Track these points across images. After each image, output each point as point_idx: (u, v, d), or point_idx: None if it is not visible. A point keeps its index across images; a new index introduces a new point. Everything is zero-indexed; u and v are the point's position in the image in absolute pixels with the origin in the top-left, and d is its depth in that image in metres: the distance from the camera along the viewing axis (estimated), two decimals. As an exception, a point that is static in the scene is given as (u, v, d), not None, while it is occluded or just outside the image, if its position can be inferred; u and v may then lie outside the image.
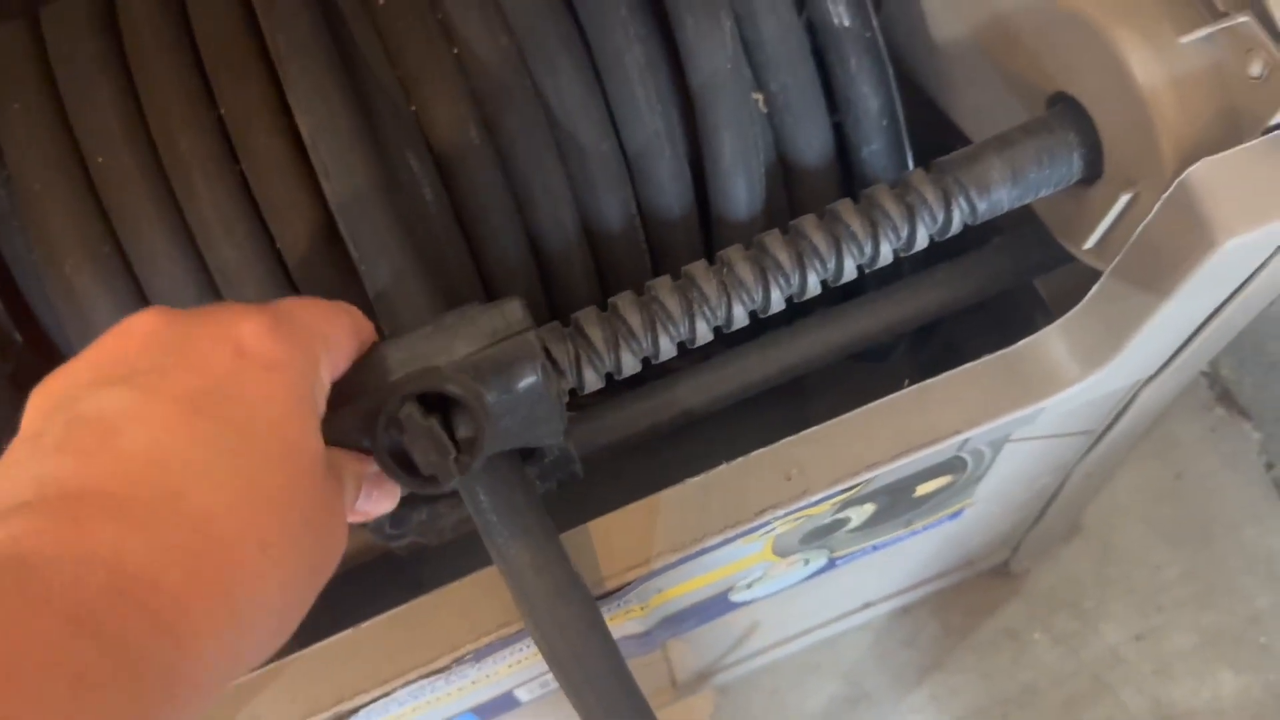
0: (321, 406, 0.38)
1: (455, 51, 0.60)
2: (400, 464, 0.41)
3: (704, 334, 0.49)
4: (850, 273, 0.49)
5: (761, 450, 0.55)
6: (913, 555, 0.82)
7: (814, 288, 0.49)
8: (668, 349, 0.49)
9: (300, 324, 0.37)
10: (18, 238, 0.58)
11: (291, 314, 0.37)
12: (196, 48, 0.57)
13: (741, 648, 0.86)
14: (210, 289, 0.55)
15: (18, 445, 0.32)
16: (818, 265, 0.48)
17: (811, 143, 0.62)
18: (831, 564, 0.73)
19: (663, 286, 0.49)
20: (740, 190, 0.61)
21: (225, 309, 0.36)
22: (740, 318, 0.49)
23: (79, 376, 0.34)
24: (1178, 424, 1.00)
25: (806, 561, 0.70)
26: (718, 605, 0.71)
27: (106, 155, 0.54)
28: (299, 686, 0.52)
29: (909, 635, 0.94)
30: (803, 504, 0.55)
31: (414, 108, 0.59)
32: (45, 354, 0.60)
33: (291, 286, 0.56)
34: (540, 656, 0.62)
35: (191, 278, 0.55)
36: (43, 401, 0.34)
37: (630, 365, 0.49)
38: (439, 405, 0.42)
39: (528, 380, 0.44)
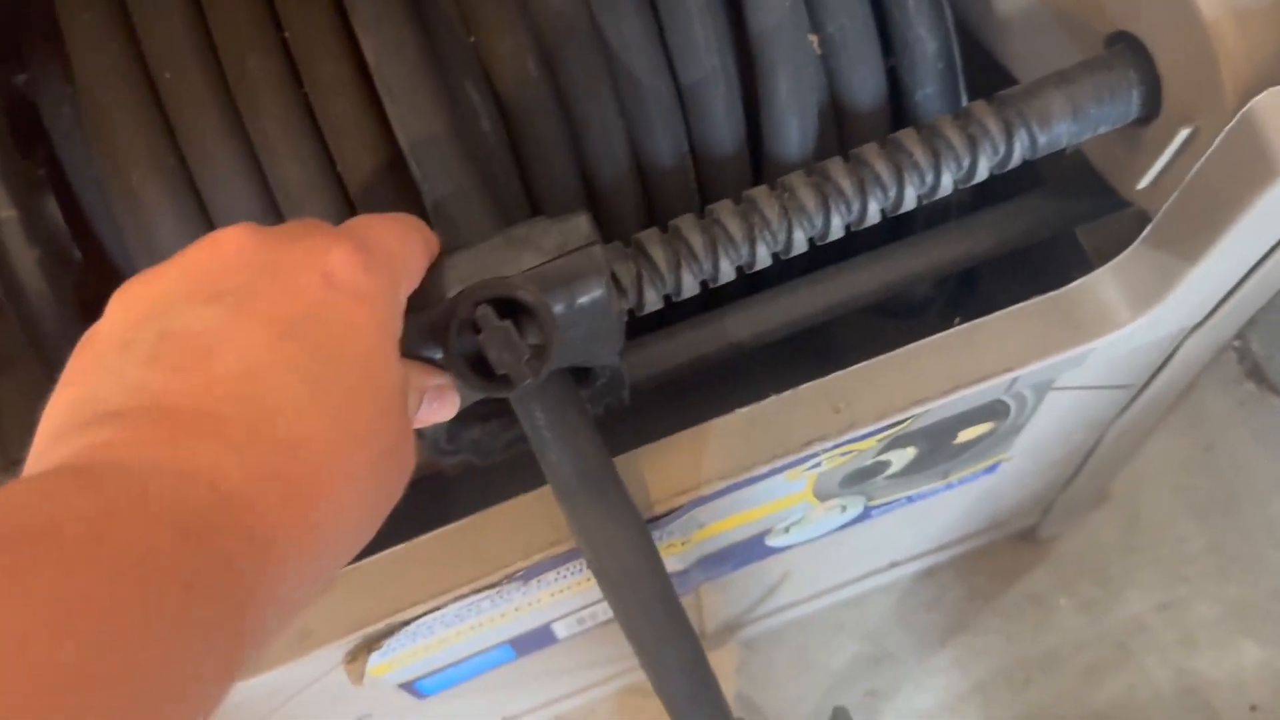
0: (399, 332, 0.38)
1: (516, -10, 0.60)
2: (472, 368, 0.42)
3: (764, 258, 0.49)
4: (910, 202, 0.50)
5: (811, 383, 0.56)
6: (945, 511, 0.82)
7: (874, 216, 0.50)
8: (727, 272, 0.49)
9: (383, 252, 0.38)
10: (80, 152, 0.59)
11: (373, 240, 0.38)
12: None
13: (771, 599, 0.87)
14: (271, 205, 0.56)
15: (104, 349, 0.32)
16: (879, 193, 0.49)
17: (865, 85, 0.62)
18: (867, 513, 0.73)
19: (725, 209, 0.49)
20: (793, 131, 0.61)
21: (312, 233, 0.36)
22: (800, 243, 0.49)
23: (168, 286, 0.33)
24: (1208, 397, 1.01)
25: (843, 508, 0.70)
26: (754, 549, 0.71)
27: (174, 71, 0.55)
28: (352, 598, 0.53)
29: (933, 597, 0.95)
30: (850, 437, 0.56)
31: (474, 39, 0.60)
32: (103, 271, 0.61)
33: (350, 205, 0.57)
34: (579, 589, 0.64)
35: (254, 193, 0.55)
36: (128, 307, 0.33)
37: (690, 286, 0.49)
38: (508, 312, 0.43)
39: (593, 294, 0.45)
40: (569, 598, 0.65)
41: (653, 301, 0.49)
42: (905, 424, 0.58)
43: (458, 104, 0.58)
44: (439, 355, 0.44)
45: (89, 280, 0.61)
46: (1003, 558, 0.95)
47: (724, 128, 0.62)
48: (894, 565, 0.90)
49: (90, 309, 0.59)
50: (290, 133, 0.55)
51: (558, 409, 0.50)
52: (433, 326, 0.44)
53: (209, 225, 0.55)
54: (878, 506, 0.73)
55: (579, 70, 0.60)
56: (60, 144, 0.59)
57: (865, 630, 0.94)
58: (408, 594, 0.53)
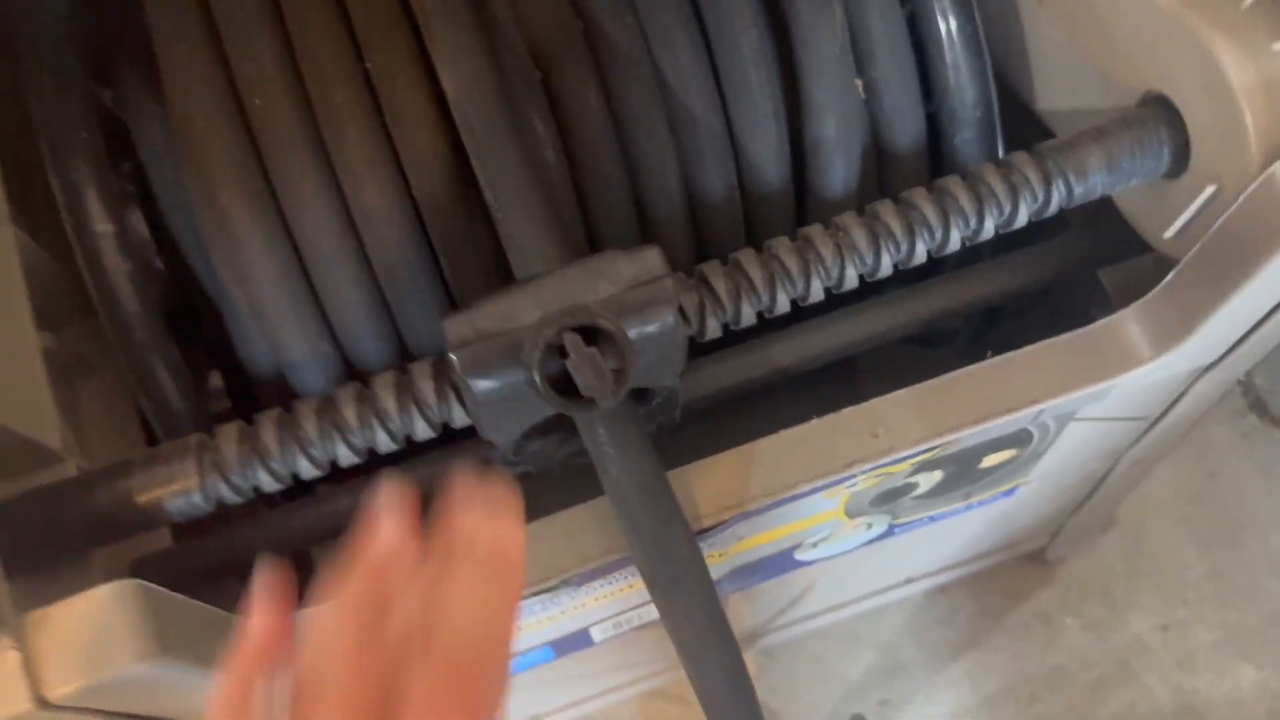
0: None
1: (582, 25, 0.64)
2: (554, 388, 0.46)
3: (817, 292, 0.53)
4: (955, 244, 0.53)
5: (852, 408, 0.59)
6: (963, 531, 0.86)
7: (920, 256, 0.53)
8: (783, 304, 0.53)
9: (477, 677, 0.37)
10: (167, 170, 0.62)
11: (465, 659, 0.37)
12: (345, 4, 0.61)
13: (793, 610, 0.90)
14: (351, 227, 0.59)
15: None
16: (926, 235, 0.53)
17: (906, 129, 0.66)
18: (890, 531, 0.77)
19: (783, 246, 0.53)
20: (838, 170, 0.65)
21: (417, 689, 0.35)
22: (852, 279, 0.53)
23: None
24: (1212, 429, 1.05)
25: (869, 526, 0.74)
26: (783, 562, 0.75)
27: (264, 99, 0.58)
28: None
29: (946, 614, 0.99)
30: (887, 460, 0.59)
31: (541, 74, 0.64)
32: (182, 283, 0.64)
33: (424, 230, 0.60)
34: (621, 595, 0.67)
35: (335, 215, 0.59)
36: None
37: (749, 317, 0.53)
38: (588, 338, 0.47)
39: (665, 323, 0.49)
40: (611, 603, 0.68)
41: (713, 330, 0.53)
42: (938, 449, 0.61)
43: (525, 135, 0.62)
44: (519, 376, 0.48)
45: (170, 289, 0.64)
46: (1013, 577, 0.99)
47: (772, 165, 0.66)
48: (910, 581, 0.94)
49: (170, 317, 0.63)
50: (371, 160, 0.59)
51: (619, 426, 0.54)
52: (515, 348, 0.47)
53: (293, 247, 0.59)
54: (901, 525, 0.76)
55: (638, 108, 0.64)
56: (148, 161, 0.63)
57: (880, 642, 0.98)
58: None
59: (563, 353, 0.46)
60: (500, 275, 0.62)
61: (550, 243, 0.55)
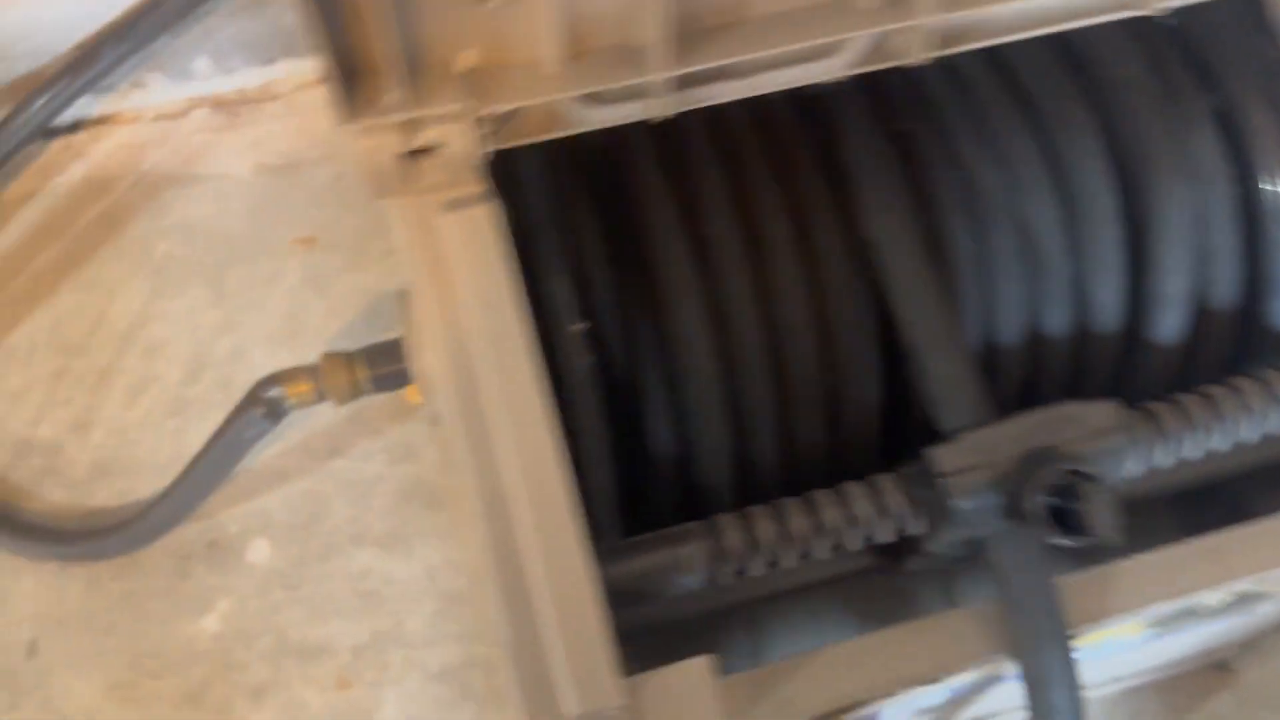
0: None
1: (961, 178, 0.73)
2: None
3: (1191, 451, 0.62)
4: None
5: (1195, 540, 0.68)
6: (1189, 641, 0.94)
7: (1276, 428, 0.62)
8: (1193, 452, 0.61)
9: None
10: (607, 283, 0.70)
11: None
12: (777, 156, 0.71)
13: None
14: (770, 341, 0.68)
15: None
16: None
17: (1227, 291, 0.75)
18: (1151, 639, 0.85)
19: (1194, 402, 0.62)
20: (1174, 322, 0.74)
21: None
22: (1220, 444, 0.62)
23: None
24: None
25: (1143, 634, 0.82)
26: (1056, 659, 0.83)
27: (715, 229, 0.68)
28: (829, 678, 0.64)
29: (1135, 710, 1.07)
30: (1225, 589, 0.68)
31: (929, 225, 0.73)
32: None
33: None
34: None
35: (759, 330, 0.68)
36: None
37: (1162, 461, 0.62)
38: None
39: (1120, 466, 0.57)
40: (926, 695, 0.76)
41: (1133, 471, 0.61)
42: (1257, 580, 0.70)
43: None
44: (995, 502, 0.56)
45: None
46: (1197, 682, 1.08)
47: (1112, 311, 0.74)
48: (1115, 680, 1.02)
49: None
50: (790, 286, 0.68)
51: (1028, 547, 0.62)
52: (998, 479, 0.56)
53: (729, 357, 0.68)
54: (1159, 634, 0.85)
55: (1002, 250, 0.73)
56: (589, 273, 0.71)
57: (1073, 733, 1.06)
58: (872, 681, 0.64)
59: (1053, 491, 0.54)
60: (885, 393, 0.71)
61: (970, 389, 0.64)
